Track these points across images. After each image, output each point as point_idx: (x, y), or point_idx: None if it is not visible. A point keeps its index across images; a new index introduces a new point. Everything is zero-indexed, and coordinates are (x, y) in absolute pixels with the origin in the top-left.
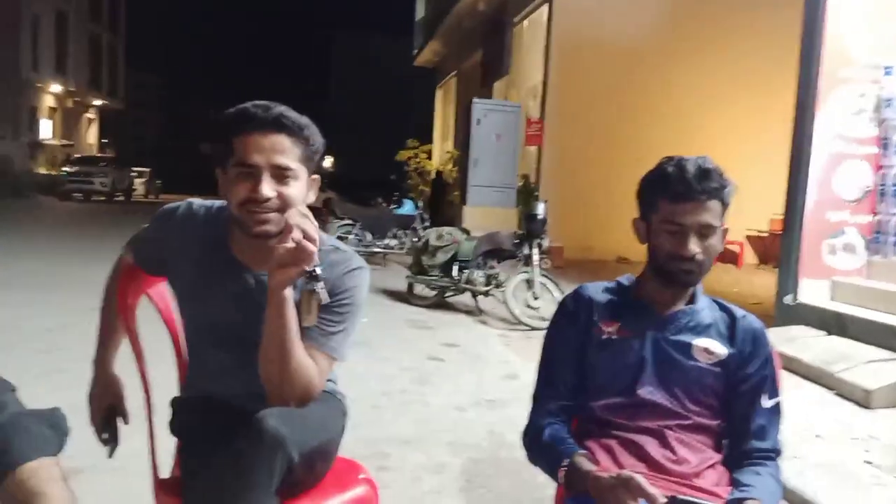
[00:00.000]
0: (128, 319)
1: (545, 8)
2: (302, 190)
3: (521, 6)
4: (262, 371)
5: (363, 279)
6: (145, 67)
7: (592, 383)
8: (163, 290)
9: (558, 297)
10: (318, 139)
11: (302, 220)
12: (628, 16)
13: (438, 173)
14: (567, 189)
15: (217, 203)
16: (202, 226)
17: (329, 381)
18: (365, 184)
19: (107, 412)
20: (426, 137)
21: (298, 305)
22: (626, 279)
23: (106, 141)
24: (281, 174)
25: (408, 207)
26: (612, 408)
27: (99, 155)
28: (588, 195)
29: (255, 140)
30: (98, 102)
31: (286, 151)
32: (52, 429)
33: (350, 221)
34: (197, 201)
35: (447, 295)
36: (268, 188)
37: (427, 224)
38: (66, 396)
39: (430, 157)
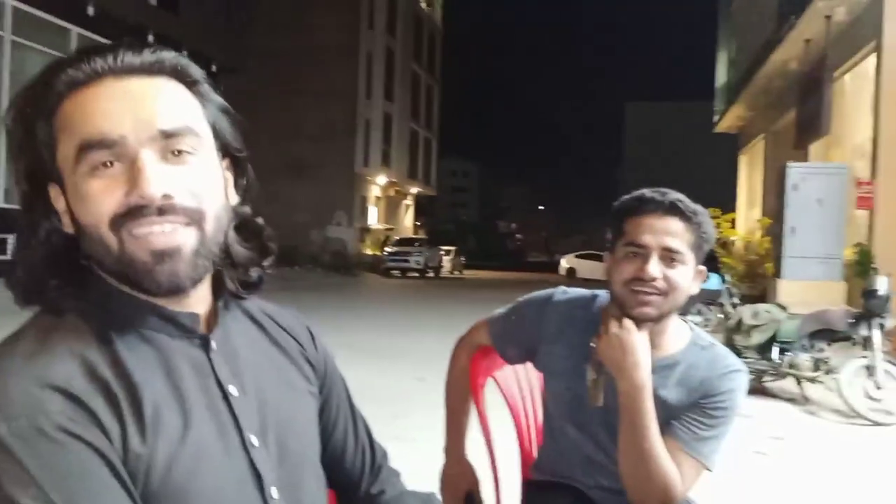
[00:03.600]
0: (479, 401)
1: (871, 58)
2: (688, 277)
3: (841, 59)
4: (620, 466)
5: (742, 382)
6: (454, 156)
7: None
8: (507, 374)
9: None
10: (709, 229)
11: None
12: None
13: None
14: None
15: (588, 291)
16: (578, 310)
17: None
18: None
19: (465, 499)
20: (727, 206)
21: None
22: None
23: (419, 223)
24: (669, 257)
25: (713, 282)
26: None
27: (414, 237)
28: None
29: (648, 221)
30: (414, 190)
31: (678, 235)
32: None
33: None
34: (567, 288)
35: (765, 380)
36: (655, 268)
37: (736, 300)
38: (405, 465)
39: (733, 226)
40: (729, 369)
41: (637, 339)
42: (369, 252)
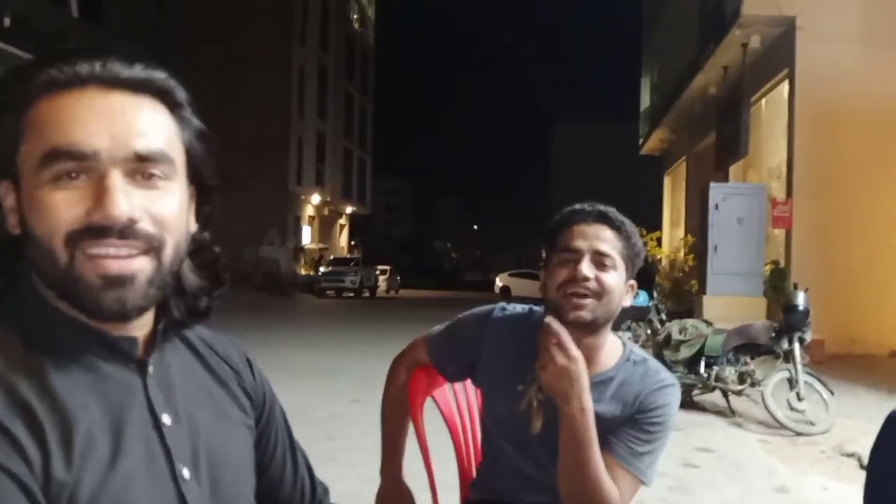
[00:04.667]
0: (418, 420)
1: (784, 85)
2: (619, 284)
3: (757, 86)
4: (560, 486)
5: (675, 397)
6: (388, 175)
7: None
8: (445, 392)
9: (827, 397)
10: (638, 242)
11: (558, 329)
12: (884, 79)
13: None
14: (823, 274)
15: (528, 306)
16: (517, 327)
17: None
18: None
19: None
20: (652, 226)
21: (528, 411)
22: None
23: (354, 243)
24: (600, 261)
25: (641, 298)
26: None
27: (349, 256)
28: (849, 280)
29: (579, 229)
30: (348, 209)
31: (607, 241)
32: None
33: None
34: (506, 304)
35: (694, 394)
36: (588, 268)
37: (663, 316)
38: (341, 487)
39: (659, 245)
40: (663, 384)
41: (583, 369)
42: (303, 272)
